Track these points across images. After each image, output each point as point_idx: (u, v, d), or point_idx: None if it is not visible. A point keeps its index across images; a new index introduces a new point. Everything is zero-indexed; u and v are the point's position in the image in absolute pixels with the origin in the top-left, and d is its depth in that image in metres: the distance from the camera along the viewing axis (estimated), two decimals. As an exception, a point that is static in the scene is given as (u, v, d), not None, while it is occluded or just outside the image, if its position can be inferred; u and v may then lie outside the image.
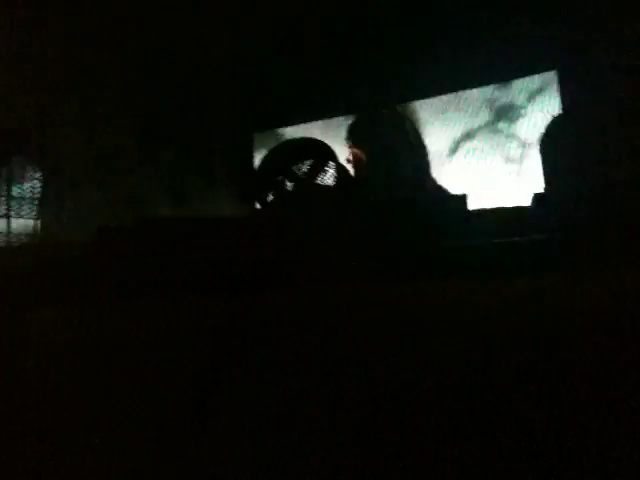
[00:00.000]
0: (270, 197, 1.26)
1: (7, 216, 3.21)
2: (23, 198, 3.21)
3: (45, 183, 3.14)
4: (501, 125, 2.88)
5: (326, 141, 1.29)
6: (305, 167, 1.20)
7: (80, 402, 0.89)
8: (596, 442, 0.69)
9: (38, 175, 3.16)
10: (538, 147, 2.02)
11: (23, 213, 3.21)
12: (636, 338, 0.72)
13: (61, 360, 0.95)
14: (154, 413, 0.85)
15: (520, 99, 2.83)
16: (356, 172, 2.09)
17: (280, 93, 2.78)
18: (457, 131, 2.91)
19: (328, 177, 1.18)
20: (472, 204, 1.01)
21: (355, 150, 2.19)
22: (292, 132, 2.94)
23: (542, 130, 1.96)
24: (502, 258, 0.87)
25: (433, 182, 2.57)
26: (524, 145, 2.73)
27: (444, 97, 2.90)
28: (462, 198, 1.10)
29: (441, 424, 0.74)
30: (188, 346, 0.89)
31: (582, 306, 0.78)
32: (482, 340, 0.78)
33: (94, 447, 0.84)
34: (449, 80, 2.75)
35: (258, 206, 1.32)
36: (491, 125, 2.87)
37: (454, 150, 2.83)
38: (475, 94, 2.88)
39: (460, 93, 2.84)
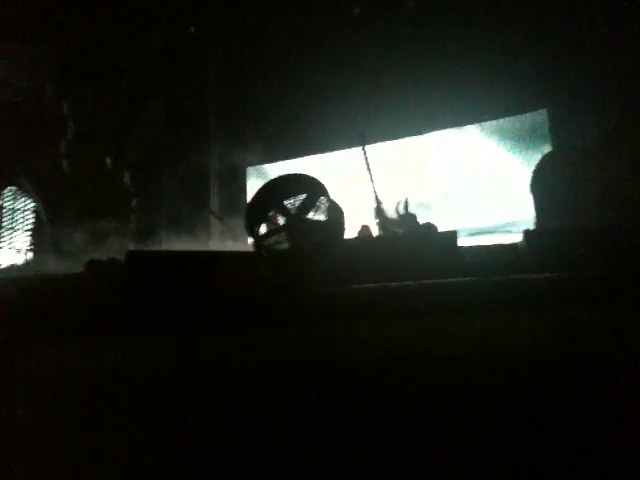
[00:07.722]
0: (262, 231, 1.25)
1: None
2: (14, 229, 3.17)
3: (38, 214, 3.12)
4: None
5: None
6: (297, 202, 1.20)
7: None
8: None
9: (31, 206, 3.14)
10: (529, 186, 2.04)
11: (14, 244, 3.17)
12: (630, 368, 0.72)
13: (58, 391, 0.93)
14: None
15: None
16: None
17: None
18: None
19: (319, 212, 1.18)
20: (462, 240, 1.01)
21: None
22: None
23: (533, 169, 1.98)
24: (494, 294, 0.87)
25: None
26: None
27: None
28: (453, 234, 1.10)
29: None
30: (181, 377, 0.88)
31: (575, 340, 0.78)
32: (473, 373, 0.77)
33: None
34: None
35: (250, 240, 1.32)
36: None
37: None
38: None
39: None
